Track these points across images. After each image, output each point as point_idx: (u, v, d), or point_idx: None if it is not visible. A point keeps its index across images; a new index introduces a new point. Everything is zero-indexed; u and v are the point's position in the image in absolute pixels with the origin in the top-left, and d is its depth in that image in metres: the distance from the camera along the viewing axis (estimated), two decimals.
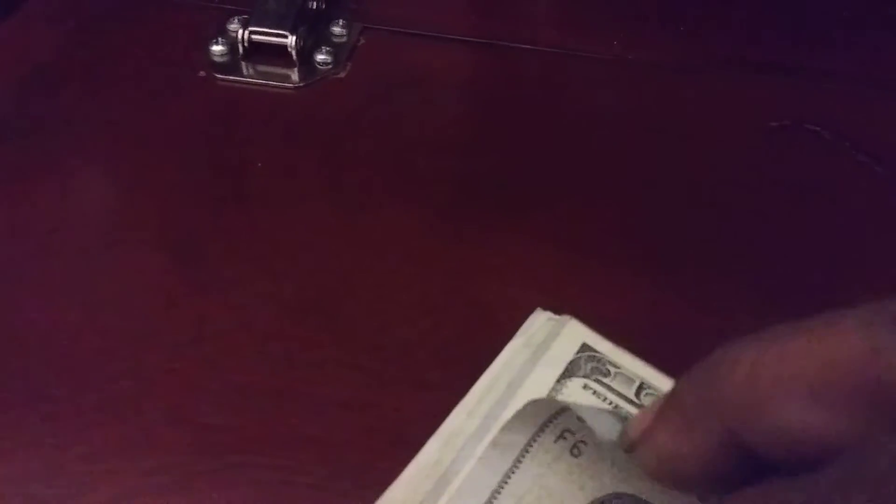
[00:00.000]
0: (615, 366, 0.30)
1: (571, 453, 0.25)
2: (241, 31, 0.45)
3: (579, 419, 0.25)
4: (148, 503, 0.29)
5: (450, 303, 0.35)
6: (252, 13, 0.46)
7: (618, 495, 0.24)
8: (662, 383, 0.29)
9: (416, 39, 0.47)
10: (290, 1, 0.46)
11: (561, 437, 0.25)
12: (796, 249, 0.37)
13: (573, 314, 0.32)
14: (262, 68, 0.45)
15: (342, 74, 0.45)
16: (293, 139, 0.42)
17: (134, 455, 0.30)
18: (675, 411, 0.20)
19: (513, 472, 0.26)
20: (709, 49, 0.47)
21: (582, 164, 0.41)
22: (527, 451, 0.25)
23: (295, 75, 0.45)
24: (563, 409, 0.26)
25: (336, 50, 0.46)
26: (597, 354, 0.30)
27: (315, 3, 0.47)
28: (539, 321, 0.32)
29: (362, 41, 0.47)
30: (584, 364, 0.30)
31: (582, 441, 0.25)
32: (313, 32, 0.46)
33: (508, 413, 0.27)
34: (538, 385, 0.29)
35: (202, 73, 0.45)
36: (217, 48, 0.45)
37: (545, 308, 0.33)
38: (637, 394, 0.29)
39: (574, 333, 0.31)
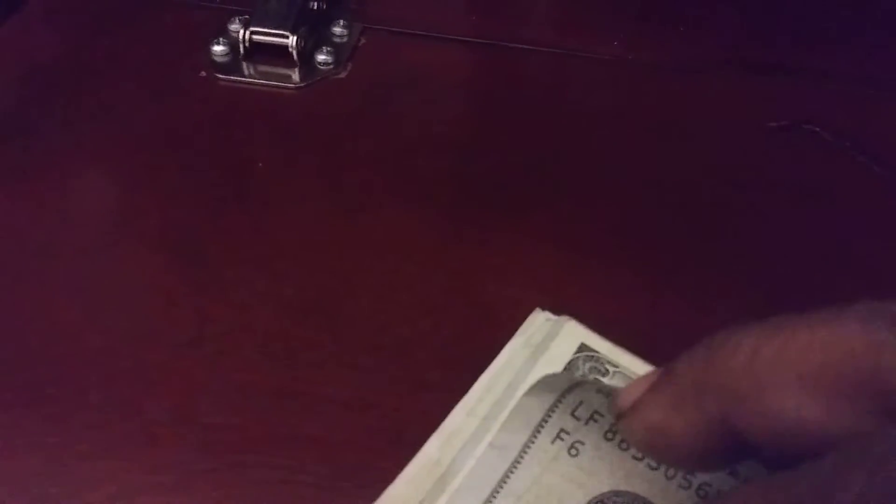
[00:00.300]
0: (614, 365, 0.30)
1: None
2: (242, 32, 0.45)
3: (599, 391, 0.25)
4: (149, 502, 0.29)
5: (450, 303, 0.35)
6: (253, 13, 0.46)
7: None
8: None
9: (416, 39, 0.47)
10: (291, 1, 0.46)
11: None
12: (796, 249, 0.37)
13: (573, 314, 0.32)
14: (262, 68, 0.45)
15: (343, 74, 0.45)
16: (294, 139, 0.42)
17: (134, 454, 0.30)
18: (671, 386, 0.20)
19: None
20: (709, 49, 0.47)
21: (582, 164, 0.41)
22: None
23: (296, 75, 0.45)
24: (578, 384, 0.26)
25: (337, 50, 0.46)
26: (595, 354, 0.31)
27: (316, 4, 0.47)
28: (538, 321, 0.32)
29: (363, 41, 0.47)
30: (582, 364, 0.30)
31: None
32: (314, 33, 0.46)
33: (508, 413, 0.28)
34: None
35: (203, 74, 0.45)
36: (218, 48, 0.46)
37: (544, 308, 0.33)
38: None
39: (572, 334, 0.31)
